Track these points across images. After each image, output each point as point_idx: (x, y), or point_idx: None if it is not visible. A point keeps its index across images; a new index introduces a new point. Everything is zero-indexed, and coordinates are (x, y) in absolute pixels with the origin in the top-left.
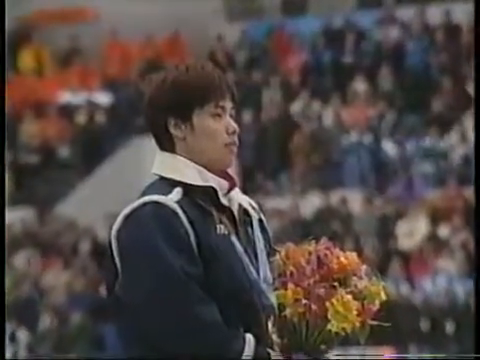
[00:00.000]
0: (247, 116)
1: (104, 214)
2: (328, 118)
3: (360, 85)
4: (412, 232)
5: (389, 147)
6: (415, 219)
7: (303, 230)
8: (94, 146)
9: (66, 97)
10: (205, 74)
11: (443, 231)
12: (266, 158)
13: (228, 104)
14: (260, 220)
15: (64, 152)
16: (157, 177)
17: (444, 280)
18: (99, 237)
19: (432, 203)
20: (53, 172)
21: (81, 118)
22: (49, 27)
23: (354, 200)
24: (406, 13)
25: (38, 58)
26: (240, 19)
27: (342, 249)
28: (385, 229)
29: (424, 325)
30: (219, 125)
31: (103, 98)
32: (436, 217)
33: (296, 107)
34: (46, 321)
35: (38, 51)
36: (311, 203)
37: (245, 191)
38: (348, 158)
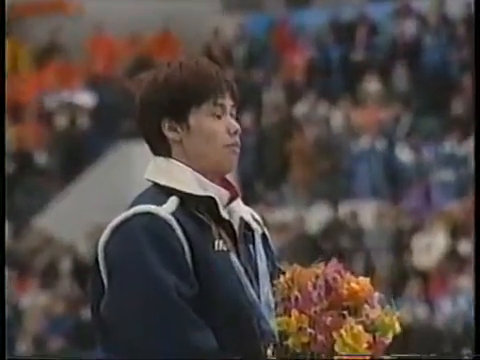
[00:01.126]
0: (246, 119)
1: (87, 229)
2: (336, 121)
3: (372, 85)
4: (430, 248)
5: (404, 153)
6: (433, 233)
7: (308, 246)
8: (76, 152)
9: (45, 98)
10: (201, 70)
11: (464, 246)
12: (267, 166)
13: (228, 102)
14: (263, 235)
15: (42, 159)
16: (150, 184)
17: (466, 301)
18: (81, 254)
19: (452, 215)
20: (30, 181)
21: (62, 121)
22: (26, 20)
23: (365, 213)
24: (423, 4)
25: (13, 54)
26: (238, 11)
27: (353, 273)
28: (400, 245)
29: (445, 351)
30: (219, 125)
31: (86, 99)
32: (456, 231)
33: (301, 109)
34: (22, 347)
35: (13, 47)
36: (317, 216)
37: (244, 202)
38: (359, 166)
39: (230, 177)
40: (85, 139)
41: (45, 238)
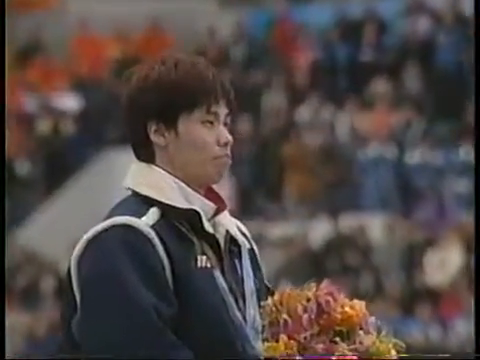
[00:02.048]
0: (244, 125)
1: (71, 244)
2: (342, 127)
3: (381, 87)
4: (443, 264)
5: (416, 162)
6: (447, 249)
7: (311, 263)
8: (59, 160)
9: (25, 101)
10: (197, 72)
11: None
12: (267, 176)
13: (222, 110)
14: (251, 250)
15: (23, 168)
16: (129, 193)
17: None
18: (64, 272)
19: (467, 229)
20: (10, 192)
21: (44, 127)
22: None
23: (373, 226)
24: (437, 1)
25: None
26: (235, 8)
27: (357, 294)
28: (411, 261)
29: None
30: (209, 135)
31: (70, 102)
32: (472, 246)
33: (303, 114)
34: None
35: None
36: (321, 230)
37: (242, 215)
38: (366, 176)
39: (226, 189)
40: (69, 146)
41: (26, 254)
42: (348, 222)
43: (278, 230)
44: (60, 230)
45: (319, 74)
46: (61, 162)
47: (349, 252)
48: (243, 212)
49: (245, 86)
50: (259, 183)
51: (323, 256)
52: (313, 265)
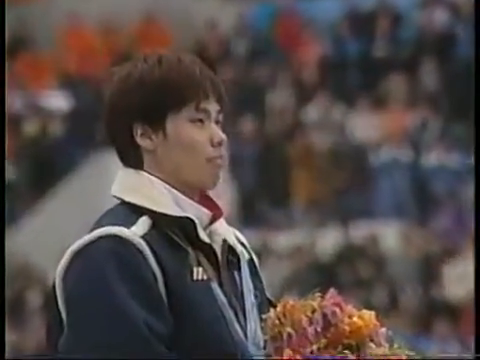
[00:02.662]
0: (247, 125)
1: (60, 254)
2: (353, 127)
3: (396, 84)
4: (463, 277)
5: (432, 165)
6: (467, 260)
7: (320, 275)
8: (47, 164)
9: (10, 100)
10: (182, 68)
11: None
12: (272, 180)
13: (213, 107)
14: (251, 261)
15: (8, 172)
16: (118, 201)
17: None
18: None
19: None
20: None
21: (30, 127)
22: None
23: (387, 236)
24: None
25: None
26: None
27: (370, 306)
28: (428, 273)
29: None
30: (200, 134)
31: (59, 101)
32: None
33: (312, 113)
34: None
35: None
36: (331, 239)
37: (244, 223)
38: (379, 180)
39: (225, 194)
40: (58, 148)
41: (11, 266)
42: (360, 230)
43: (284, 239)
44: (48, 239)
45: (328, 70)
46: (49, 165)
47: (361, 263)
48: (245, 220)
49: (248, 83)
50: (263, 188)
51: (333, 268)
52: (322, 277)
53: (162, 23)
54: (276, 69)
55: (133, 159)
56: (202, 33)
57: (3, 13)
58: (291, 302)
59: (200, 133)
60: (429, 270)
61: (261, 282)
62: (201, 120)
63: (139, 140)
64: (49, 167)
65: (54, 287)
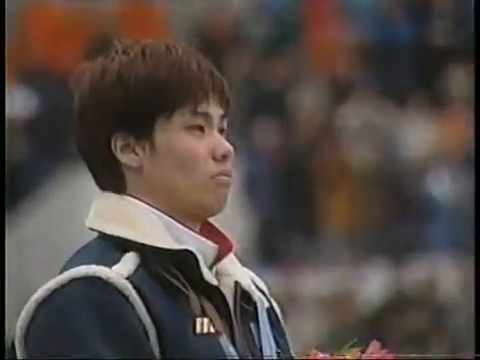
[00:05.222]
0: (267, 133)
1: (21, 304)
2: (404, 136)
3: (458, 80)
4: None
5: None
6: None
7: (362, 329)
8: (5, 184)
9: None
10: (174, 60)
11: None
12: (298, 204)
13: (215, 110)
14: (271, 309)
15: None
16: (95, 235)
17: None
18: (12, 333)
19: None
20: None
21: None
22: None
23: (447, 277)
24: None
25: None
26: None
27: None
28: None
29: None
30: (199, 145)
31: (20, 102)
32: None
33: (349, 117)
34: None
35: None
36: (375, 282)
37: (263, 262)
38: (438, 206)
39: (238, 224)
40: (20, 164)
41: None
42: (413, 271)
43: (313, 283)
44: (8, 285)
45: (371, 63)
46: (8, 186)
47: (414, 312)
48: (263, 257)
49: (267, 80)
50: (285, 215)
51: (378, 318)
52: (364, 332)
53: (159, 6)
54: (302, 62)
55: (113, 180)
56: (207, 15)
57: (3, 13)
58: (320, 356)
59: (199, 144)
60: None
61: (284, 337)
62: (200, 127)
63: (120, 155)
64: (7, 189)
65: (13, 344)
